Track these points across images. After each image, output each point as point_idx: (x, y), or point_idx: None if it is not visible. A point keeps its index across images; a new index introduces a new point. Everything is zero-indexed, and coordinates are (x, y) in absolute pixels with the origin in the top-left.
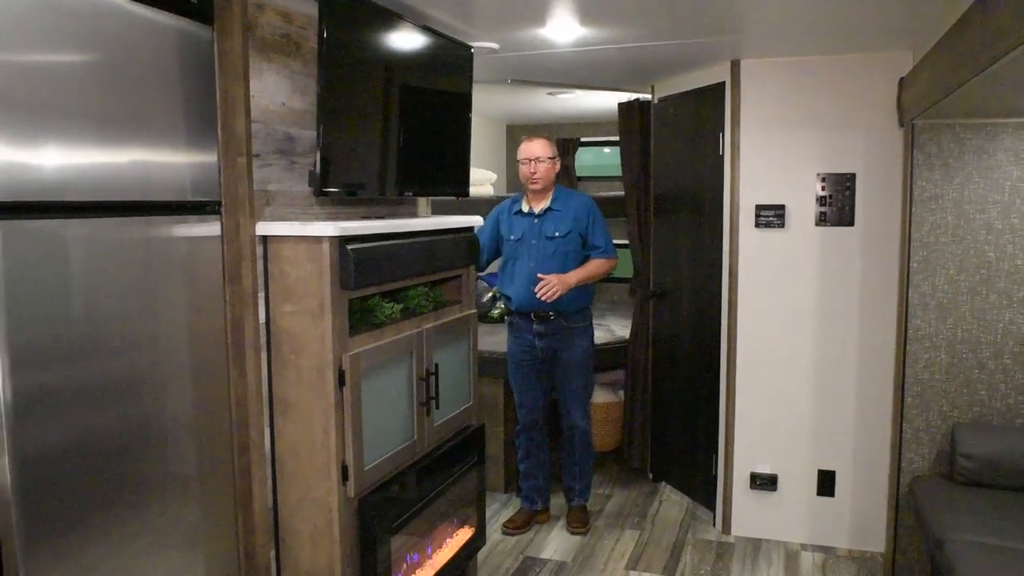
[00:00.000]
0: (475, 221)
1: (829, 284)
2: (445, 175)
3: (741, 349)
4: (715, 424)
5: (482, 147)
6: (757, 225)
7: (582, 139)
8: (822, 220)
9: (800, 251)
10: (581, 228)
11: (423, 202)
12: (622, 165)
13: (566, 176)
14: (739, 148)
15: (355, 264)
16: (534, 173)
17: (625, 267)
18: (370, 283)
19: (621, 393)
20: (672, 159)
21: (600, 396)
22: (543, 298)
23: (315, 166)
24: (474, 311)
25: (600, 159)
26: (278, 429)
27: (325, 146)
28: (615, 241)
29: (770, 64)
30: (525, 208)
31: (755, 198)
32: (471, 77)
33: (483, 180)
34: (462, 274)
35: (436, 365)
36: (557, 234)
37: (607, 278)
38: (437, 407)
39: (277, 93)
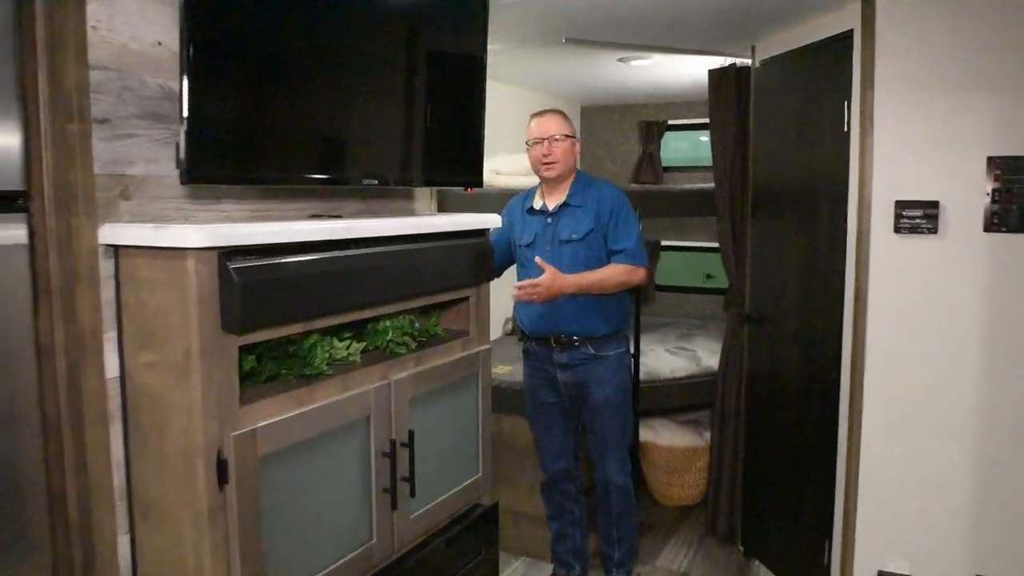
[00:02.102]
0: (491, 221)
1: (1003, 314)
2: (445, 159)
3: (870, 400)
4: (830, 498)
5: None
6: (898, 230)
7: (670, 121)
8: (994, 224)
9: (961, 266)
10: (603, 225)
11: (423, 194)
12: (712, 150)
13: (650, 167)
14: (872, 122)
15: (242, 292)
16: (547, 156)
17: (724, 275)
18: (273, 321)
19: (707, 436)
20: (777, 141)
21: (681, 438)
22: (517, 298)
23: (181, 139)
24: (487, 347)
25: (697, 147)
26: (139, 540)
27: (197, 106)
28: (697, 244)
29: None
30: (538, 204)
31: (895, 192)
32: (484, 29)
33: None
34: (471, 295)
35: (411, 433)
36: (574, 236)
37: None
38: (413, 493)
39: (145, 26)
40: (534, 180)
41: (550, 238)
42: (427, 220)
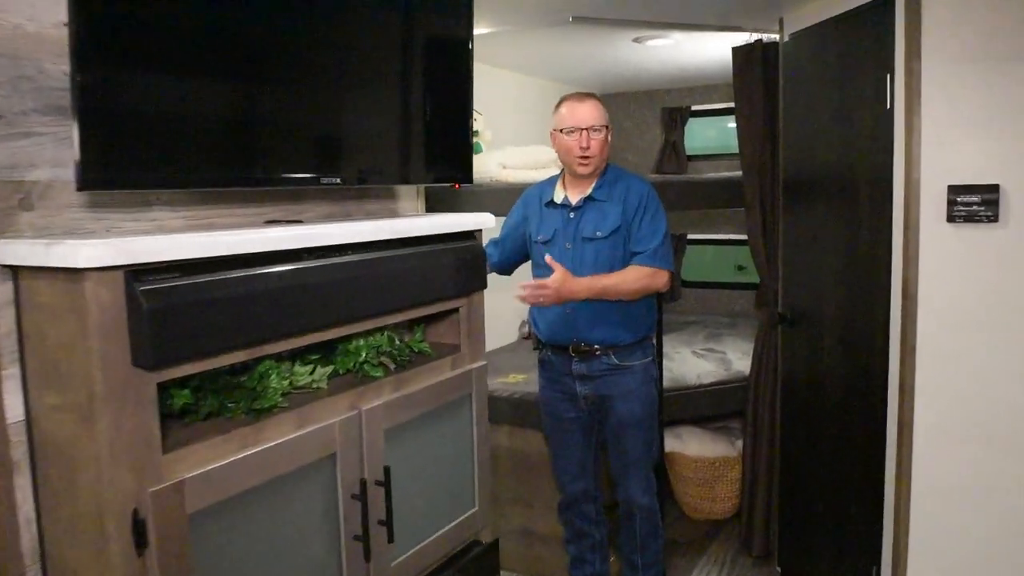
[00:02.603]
0: (482, 221)
1: None
2: (427, 154)
3: (922, 410)
4: (877, 519)
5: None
6: (951, 218)
7: (694, 107)
8: None
9: None
10: (628, 222)
11: (409, 194)
12: (739, 135)
13: (674, 156)
14: (919, 97)
15: (153, 319)
16: (586, 149)
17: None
18: (200, 352)
19: (739, 444)
20: (810, 123)
21: (711, 446)
22: (522, 300)
23: (74, 135)
24: (482, 364)
25: (724, 134)
26: None
27: (93, 94)
28: (726, 236)
29: None
30: (559, 197)
31: (947, 175)
32: (470, 6)
33: (546, 162)
34: (461, 307)
35: (387, 469)
36: (599, 234)
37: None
38: (392, 538)
39: (43, 3)
40: (544, 174)
41: (572, 235)
42: (405, 223)
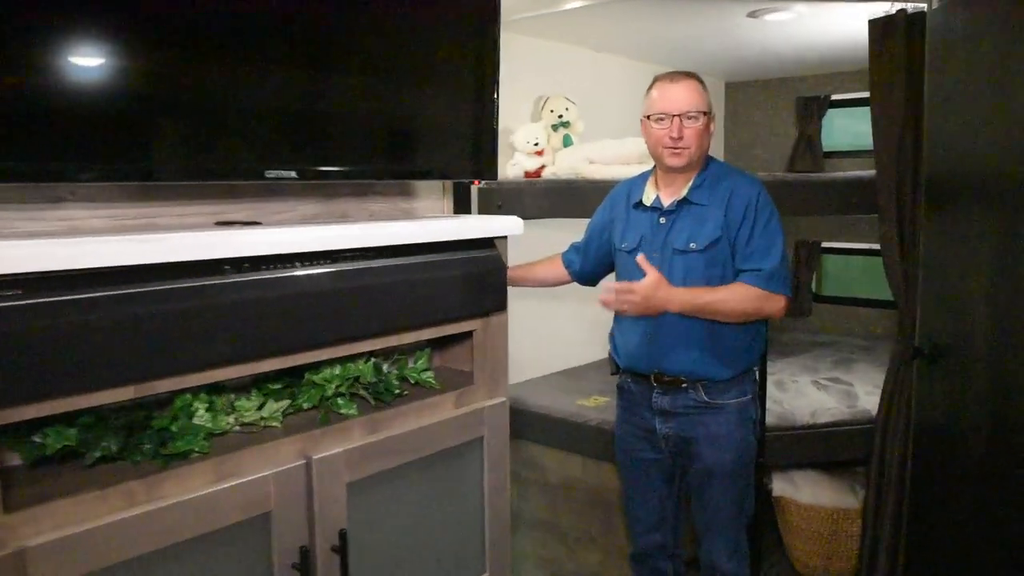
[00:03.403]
0: (507, 227)
1: None
2: (432, 144)
3: None
4: None
5: None
6: None
7: (834, 96)
8: None
9: None
10: (733, 233)
11: (428, 190)
12: (874, 127)
13: (808, 153)
14: None
15: None
16: (679, 140)
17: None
18: (45, 393)
19: (861, 495)
20: (964, 110)
21: (830, 495)
22: (604, 304)
23: None
24: (500, 400)
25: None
26: None
27: None
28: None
29: None
30: (648, 198)
31: None
32: None
33: (638, 156)
34: (476, 329)
35: (342, 534)
36: (693, 246)
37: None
38: None
39: None
40: (636, 171)
41: (660, 245)
42: (394, 228)
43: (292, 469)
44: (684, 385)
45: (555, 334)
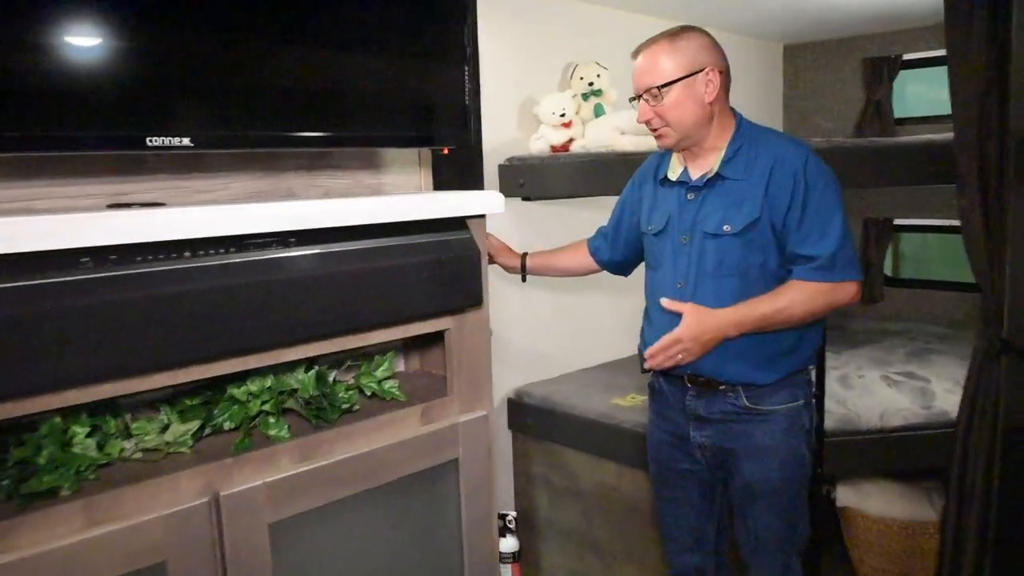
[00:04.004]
0: (486, 205)
1: None
2: (387, 106)
3: None
4: None
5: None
6: None
7: (905, 56)
8: None
9: None
10: (779, 214)
11: (402, 161)
12: (951, 85)
13: (877, 119)
14: None
15: None
16: (648, 123)
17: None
18: None
19: (939, 507)
20: None
21: (903, 506)
22: (651, 368)
23: None
24: (481, 415)
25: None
26: None
27: None
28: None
29: None
30: (674, 172)
31: None
32: None
33: None
34: (449, 329)
35: None
36: (727, 228)
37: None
38: None
39: None
40: None
41: (688, 227)
42: (330, 206)
43: (193, 508)
44: (722, 388)
45: (589, 324)
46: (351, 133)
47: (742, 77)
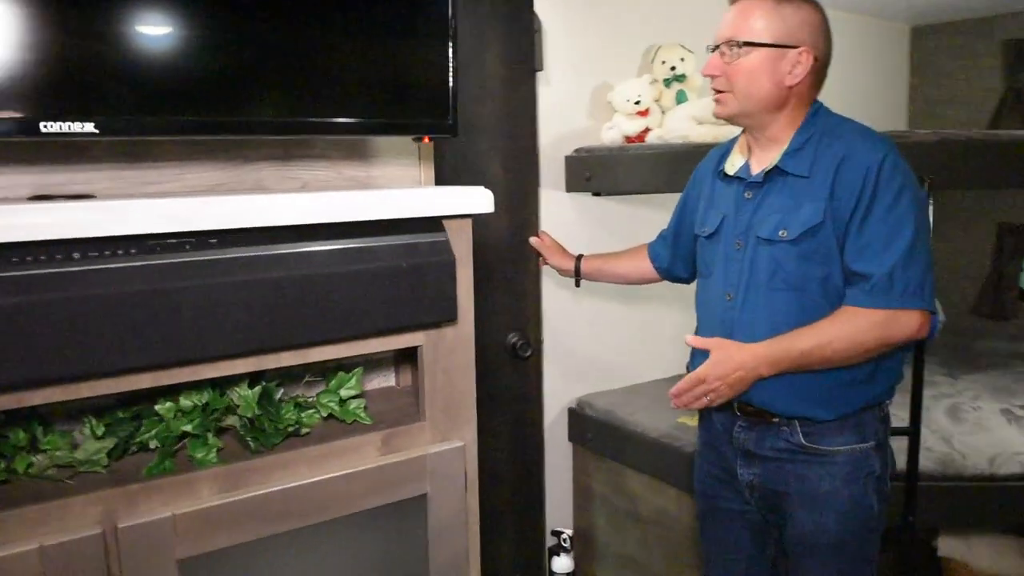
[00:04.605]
0: (470, 203)
1: None
2: (353, 90)
3: None
4: None
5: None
6: None
7: None
8: None
9: None
10: (842, 221)
11: (395, 151)
12: None
13: (1018, 109)
14: None
15: None
16: (712, 79)
17: None
18: None
19: None
20: None
21: (1012, 561)
22: (678, 407)
23: None
24: (457, 445)
25: None
26: None
27: None
28: None
29: None
30: (733, 165)
31: None
32: None
33: None
34: (423, 345)
35: None
36: (783, 234)
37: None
38: None
39: None
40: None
41: (743, 230)
42: (278, 201)
43: (82, 540)
44: (775, 421)
45: (662, 331)
46: (299, 119)
47: (863, 62)
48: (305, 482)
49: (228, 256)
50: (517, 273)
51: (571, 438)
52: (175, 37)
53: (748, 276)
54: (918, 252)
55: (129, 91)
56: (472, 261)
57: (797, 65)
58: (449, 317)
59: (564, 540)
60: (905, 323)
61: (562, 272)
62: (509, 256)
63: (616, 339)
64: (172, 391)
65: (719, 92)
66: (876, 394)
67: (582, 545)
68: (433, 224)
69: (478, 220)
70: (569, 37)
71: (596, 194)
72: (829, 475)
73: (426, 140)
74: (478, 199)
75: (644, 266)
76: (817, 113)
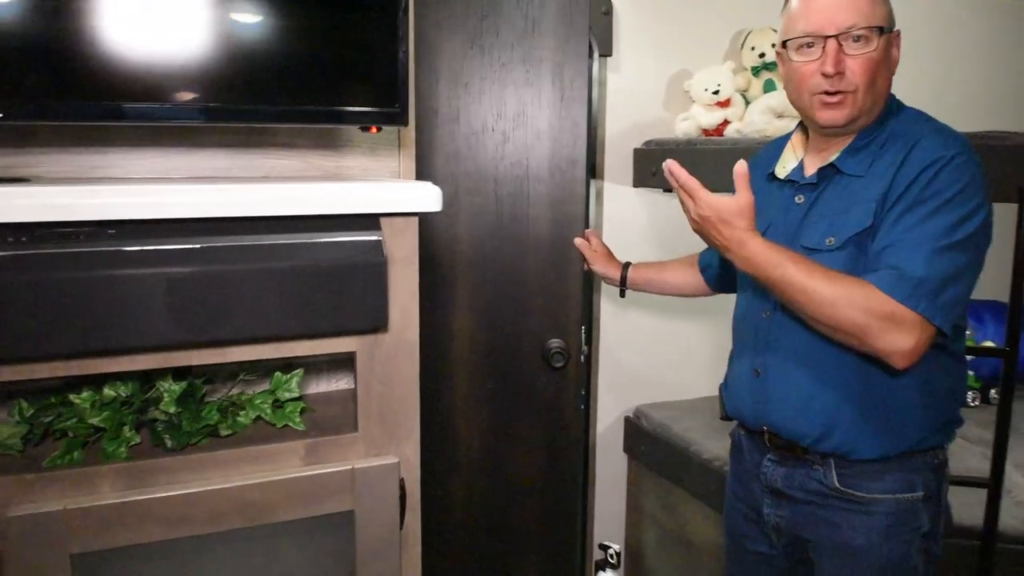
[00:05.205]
0: (416, 198)
1: None
2: (277, 67)
3: None
4: None
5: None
6: None
7: None
8: None
9: None
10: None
11: (366, 141)
12: None
13: None
14: None
15: None
16: (831, 78)
17: None
18: None
19: None
20: None
21: None
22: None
23: None
24: (391, 461)
25: None
26: None
27: None
28: None
29: None
30: (784, 167)
31: None
32: None
33: None
34: (358, 351)
35: None
36: (831, 241)
37: None
38: None
39: None
40: None
41: (788, 239)
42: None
43: None
44: (807, 457)
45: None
46: (215, 104)
47: (973, 46)
48: (213, 487)
49: (124, 249)
50: (559, 275)
51: (626, 449)
52: (97, 17)
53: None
54: (960, 274)
55: (36, 77)
56: (418, 262)
57: (897, 49)
58: (378, 323)
59: (611, 555)
60: (897, 326)
61: (607, 280)
62: (549, 257)
63: (683, 343)
64: (98, 380)
65: (837, 93)
66: (931, 430)
67: (631, 562)
68: (368, 222)
69: (510, 217)
70: (644, 20)
71: (667, 191)
72: (865, 527)
73: (373, 130)
74: (422, 196)
75: (696, 279)
76: (894, 109)
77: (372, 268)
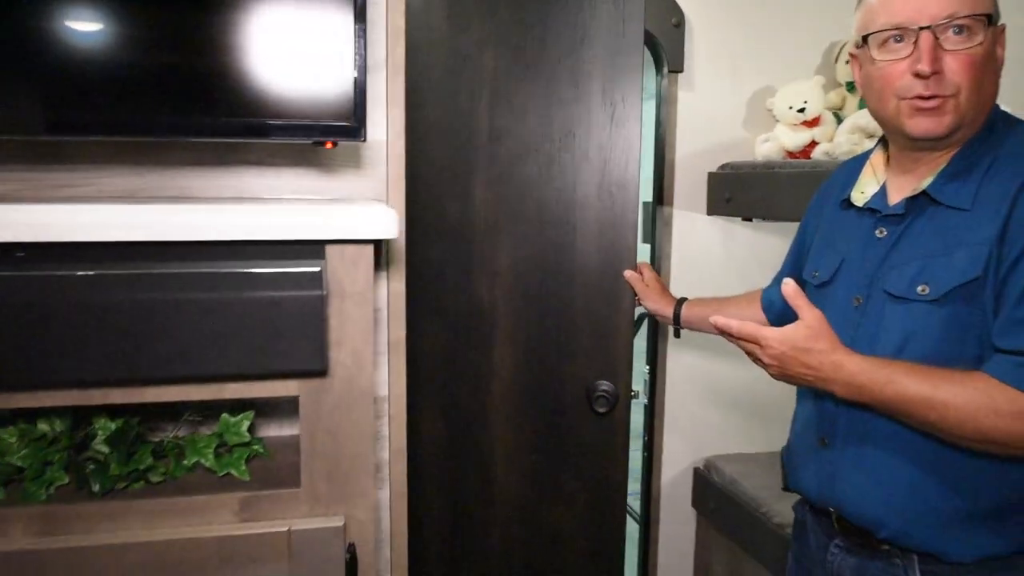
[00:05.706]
0: (361, 224)
1: None
2: (212, 91)
3: None
4: None
5: None
6: None
7: None
8: None
9: None
10: (1005, 268)
11: (356, 158)
12: None
13: None
14: None
15: None
16: (929, 78)
17: None
18: None
19: None
20: None
21: None
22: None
23: None
24: (336, 524)
25: None
26: None
27: None
28: None
29: None
30: (863, 191)
31: None
32: None
33: None
34: (302, 396)
35: None
36: (923, 290)
37: None
38: None
39: None
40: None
41: (867, 280)
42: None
43: None
44: (885, 548)
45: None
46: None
47: None
48: (134, 540)
49: (31, 274)
50: (607, 311)
51: (695, 504)
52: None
53: (867, 348)
54: None
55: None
56: (372, 297)
57: (1002, 48)
58: (314, 366)
59: None
60: None
61: (659, 317)
62: (598, 290)
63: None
64: (32, 414)
65: (933, 98)
66: None
67: None
68: (310, 250)
69: (555, 246)
70: (721, 32)
71: (747, 219)
72: None
73: (328, 145)
74: (373, 221)
75: (759, 316)
76: (1001, 122)
77: (308, 302)
